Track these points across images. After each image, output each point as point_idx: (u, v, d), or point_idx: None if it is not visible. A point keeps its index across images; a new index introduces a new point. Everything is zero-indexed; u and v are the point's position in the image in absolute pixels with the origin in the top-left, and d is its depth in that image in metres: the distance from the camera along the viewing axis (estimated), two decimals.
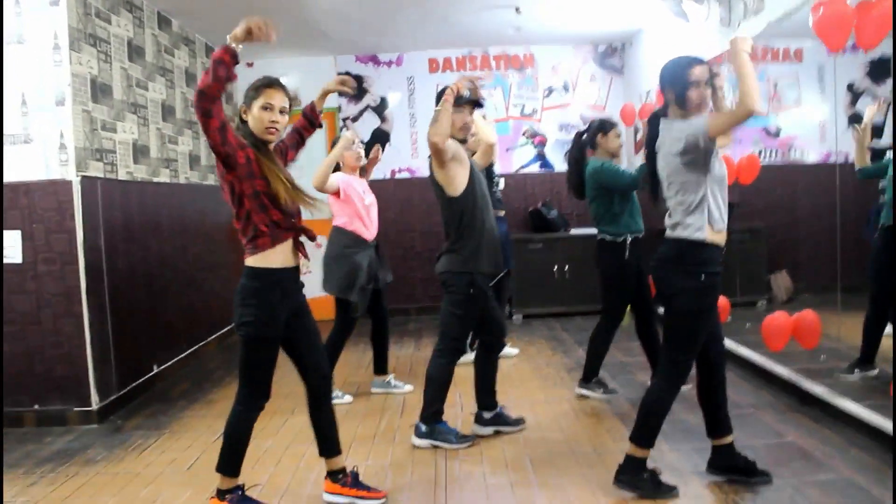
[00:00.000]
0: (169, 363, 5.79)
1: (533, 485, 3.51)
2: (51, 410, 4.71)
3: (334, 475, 3.41)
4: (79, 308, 4.66)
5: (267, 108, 3.08)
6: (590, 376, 4.86)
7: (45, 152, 4.60)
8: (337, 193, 4.78)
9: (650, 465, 3.37)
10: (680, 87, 3.12)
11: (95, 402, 4.72)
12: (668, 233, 3.22)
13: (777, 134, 7.13)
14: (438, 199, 4.04)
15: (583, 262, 7.37)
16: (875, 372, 4.53)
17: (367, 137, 7.97)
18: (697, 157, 3.06)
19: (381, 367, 5.25)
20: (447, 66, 7.98)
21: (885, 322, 4.55)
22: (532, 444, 4.05)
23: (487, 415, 4.27)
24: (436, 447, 4.08)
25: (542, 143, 8.04)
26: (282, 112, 3.11)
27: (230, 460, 3.20)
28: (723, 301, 5.79)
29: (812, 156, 6.61)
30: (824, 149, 6.45)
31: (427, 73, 7.99)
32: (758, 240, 7.13)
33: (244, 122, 3.12)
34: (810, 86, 6.51)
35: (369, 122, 8.02)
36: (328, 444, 3.40)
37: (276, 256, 3.08)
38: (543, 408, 4.68)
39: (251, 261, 3.07)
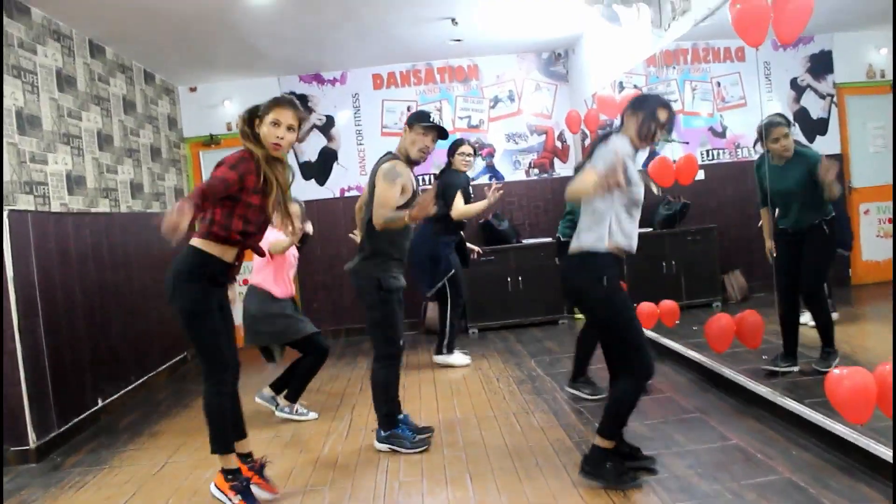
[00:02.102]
0: (115, 396, 5.68)
1: (471, 502, 3.46)
2: None
3: (243, 458, 3.62)
4: (11, 345, 4.53)
5: (275, 123, 3.29)
6: (577, 376, 4.96)
7: None
8: (279, 256, 4.92)
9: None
10: (645, 117, 3.40)
11: (32, 440, 4.60)
12: (573, 243, 3.50)
13: (723, 133, 7.17)
14: (367, 205, 4.17)
15: (536, 273, 7.37)
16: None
17: (314, 157, 7.93)
18: None
19: (297, 395, 5.14)
20: (391, 81, 7.95)
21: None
22: (475, 459, 4.00)
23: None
24: (394, 451, 4.17)
25: (491, 155, 8.03)
26: (290, 129, 3.32)
27: (217, 439, 3.40)
28: (671, 305, 5.82)
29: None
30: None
31: (371, 90, 7.95)
32: (710, 239, 7.16)
33: (251, 128, 3.35)
34: (753, 84, 6.53)
35: (316, 142, 7.97)
36: (238, 428, 3.61)
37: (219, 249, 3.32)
38: (490, 423, 4.63)
39: (197, 242, 3.32)
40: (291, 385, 5.08)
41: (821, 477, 3.32)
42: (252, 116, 3.37)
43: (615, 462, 3.40)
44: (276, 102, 3.34)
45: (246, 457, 3.64)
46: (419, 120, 4.18)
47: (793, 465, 3.50)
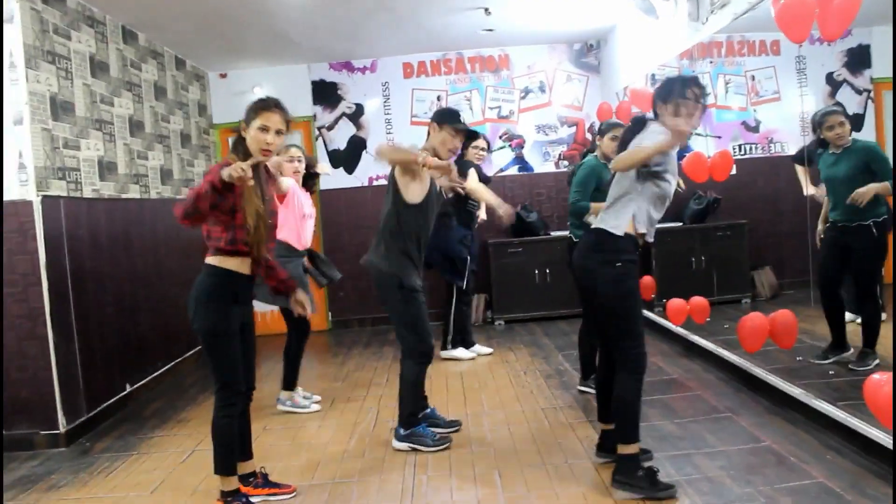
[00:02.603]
0: (143, 381, 5.71)
1: (500, 499, 3.43)
2: (17, 435, 4.61)
3: (245, 479, 3.54)
4: (43, 330, 4.57)
5: (263, 129, 3.18)
6: (587, 374, 4.94)
7: (4, 173, 4.51)
8: (282, 197, 4.70)
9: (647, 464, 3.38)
10: (677, 102, 3.27)
11: (63, 424, 4.64)
12: (595, 222, 3.44)
13: (756, 128, 7.06)
14: (385, 203, 4.12)
15: (564, 265, 7.28)
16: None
17: (343, 145, 7.91)
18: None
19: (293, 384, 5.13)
20: (422, 70, 7.91)
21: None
22: (503, 455, 3.97)
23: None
24: (415, 450, 4.10)
25: (521, 146, 7.97)
26: (278, 133, 3.21)
27: (222, 460, 3.32)
28: (701, 301, 5.75)
29: (793, 148, 6.51)
30: (804, 141, 6.37)
31: (402, 78, 7.91)
32: (740, 235, 7.06)
33: (242, 140, 3.24)
34: (788, 78, 6.43)
35: (345, 130, 7.95)
36: (244, 449, 3.58)
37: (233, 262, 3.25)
38: (518, 417, 4.60)
39: (212, 260, 3.24)
40: (285, 375, 5.05)
41: (857, 483, 3.25)
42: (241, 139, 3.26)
43: (647, 471, 3.32)
44: (264, 106, 3.21)
45: (248, 477, 3.58)
46: (451, 120, 4.09)
47: (827, 469, 3.43)
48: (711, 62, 6.36)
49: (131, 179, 5.80)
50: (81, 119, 5.13)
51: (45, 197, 4.61)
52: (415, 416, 4.20)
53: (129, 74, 5.94)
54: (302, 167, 5.02)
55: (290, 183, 4.78)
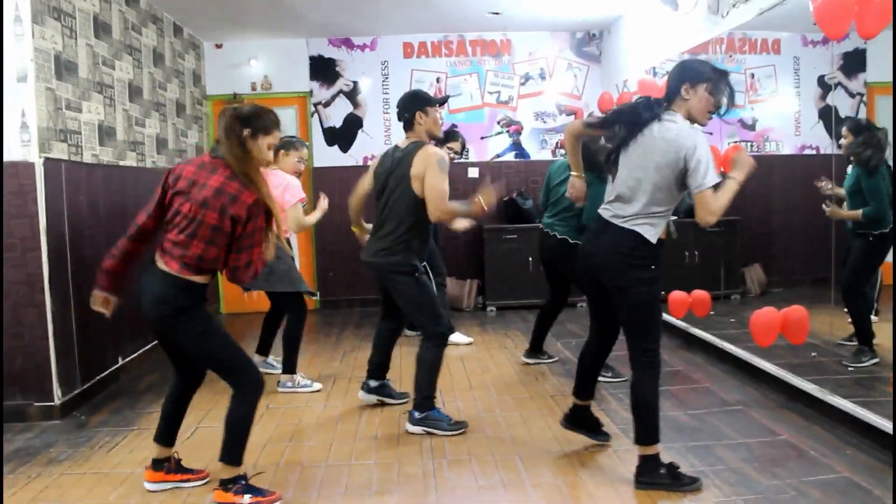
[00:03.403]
0: (134, 355, 5.54)
1: (526, 485, 3.38)
2: (10, 406, 4.42)
3: (159, 463, 3.44)
4: (41, 297, 4.39)
5: (271, 148, 3.14)
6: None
7: (6, 132, 4.31)
8: None
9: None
10: (711, 88, 3.11)
11: (58, 396, 4.47)
12: (620, 223, 3.20)
13: (753, 126, 7.09)
14: (403, 195, 4.02)
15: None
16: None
17: (339, 123, 7.77)
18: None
19: (264, 349, 5.34)
20: (422, 50, 7.80)
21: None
22: (521, 441, 3.92)
23: (374, 383, 4.55)
24: (429, 433, 4.04)
25: (518, 132, 7.90)
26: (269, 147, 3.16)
27: (236, 449, 3.19)
28: (703, 295, 5.77)
29: (787, 148, 6.56)
30: (799, 141, 6.43)
31: (401, 58, 7.79)
32: (733, 232, 7.09)
33: (243, 144, 3.03)
34: (787, 77, 6.47)
35: (342, 108, 7.81)
36: (173, 434, 3.47)
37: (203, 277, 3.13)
38: (527, 404, 4.56)
39: (185, 274, 3.06)
40: (285, 357, 4.99)
41: (882, 478, 3.26)
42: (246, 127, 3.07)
43: (668, 467, 3.28)
44: (276, 125, 3.12)
45: (163, 462, 3.45)
46: (432, 101, 4.15)
47: (850, 464, 3.44)
48: (731, 57, 6.36)
49: (129, 147, 5.61)
50: (84, 80, 4.94)
51: (47, 159, 4.42)
52: (430, 399, 4.12)
53: (130, 38, 5.73)
54: (302, 167, 5.12)
55: (297, 188, 4.86)
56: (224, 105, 7.41)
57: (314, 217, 5.05)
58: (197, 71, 7.46)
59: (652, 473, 3.27)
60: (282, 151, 4.90)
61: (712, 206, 2.99)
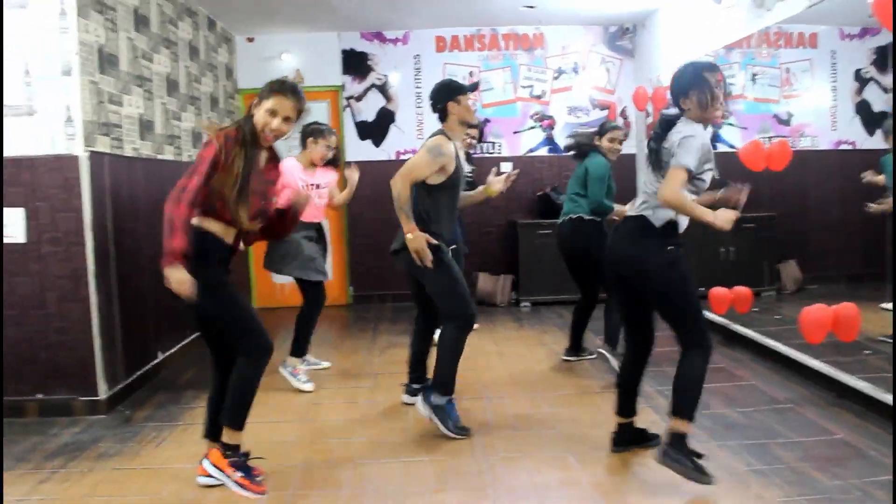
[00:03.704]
0: (173, 349, 5.53)
1: (583, 483, 3.34)
2: (55, 400, 4.43)
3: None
4: (85, 291, 4.38)
5: (272, 112, 3.08)
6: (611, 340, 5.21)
7: (51, 125, 4.30)
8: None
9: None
10: (699, 91, 3.18)
11: (103, 391, 4.45)
12: (631, 212, 3.39)
13: (788, 121, 7.01)
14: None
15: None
16: None
17: (371, 117, 7.73)
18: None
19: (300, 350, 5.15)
20: (455, 44, 7.74)
21: None
22: (572, 438, 3.88)
23: (417, 386, 4.42)
24: (431, 420, 3.99)
25: (551, 127, 7.83)
26: (286, 120, 3.11)
27: (240, 411, 3.22)
28: (744, 291, 5.71)
29: (823, 143, 6.48)
30: (836, 136, 6.35)
31: (434, 52, 7.74)
32: (768, 228, 7.02)
33: (251, 116, 3.13)
34: (823, 72, 6.39)
35: (374, 102, 7.77)
36: (220, 430, 3.36)
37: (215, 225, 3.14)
38: (572, 400, 4.52)
39: (195, 220, 3.10)
40: (294, 340, 5.00)
41: None
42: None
43: (693, 452, 3.23)
44: (279, 89, 3.09)
45: (230, 448, 3.37)
46: (461, 90, 4.10)
47: None
48: (765, 52, 6.29)
49: (167, 140, 5.59)
50: (125, 74, 4.91)
51: (92, 153, 4.40)
52: (448, 385, 4.00)
53: (168, 31, 5.71)
54: (330, 154, 5.06)
55: (289, 170, 4.78)
56: (254, 98, 7.46)
57: (344, 195, 5.14)
58: (229, 65, 7.43)
59: (680, 450, 3.21)
60: (310, 139, 4.91)
61: (674, 189, 3.00)
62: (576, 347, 5.42)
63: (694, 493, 3.19)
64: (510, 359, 5.55)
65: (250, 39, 7.62)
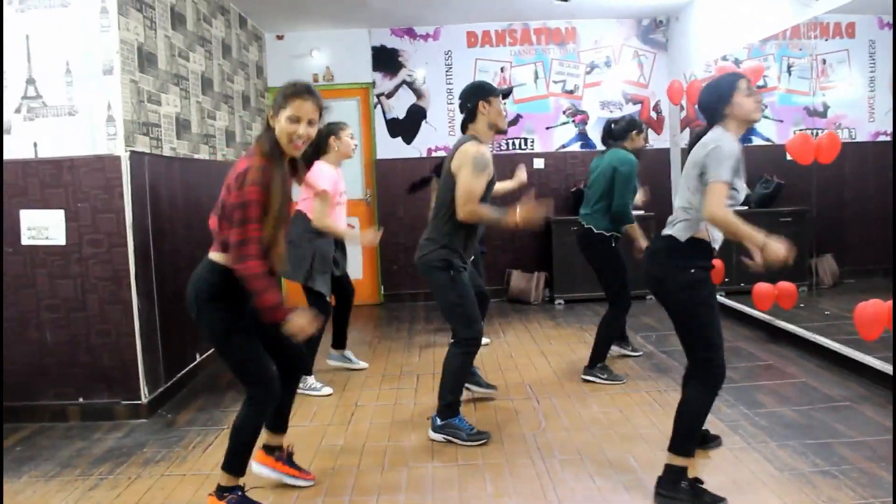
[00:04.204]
0: (210, 351, 5.46)
1: (647, 487, 3.24)
2: (97, 404, 4.38)
3: (271, 450, 3.36)
4: (127, 294, 4.32)
5: (295, 119, 2.84)
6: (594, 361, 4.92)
7: (92, 125, 4.24)
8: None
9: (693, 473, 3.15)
10: (734, 102, 3.04)
11: (145, 394, 4.40)
12: (663, 231, 3.21)
13: (824, 113, 6.88)
14: (445, 190, 3.89)
15: (628, 245, 7.10)
16: None
17: (402, 114, 7.66)
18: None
19: (339, 342, 5.32)
20: (486, 39, 7.65)
21: None
22: (629, 439, 3.79)
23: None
24: (449, 441, 3.86)
25: (584, 122, 7.73)
26: (310, 124, 2.88)
27: (237, 459, 3.05)
28: (789, 287, 5.60)
29: (861, 134, 6.36)
30: (873, 127, 6.23)
31: (465, 48, 7.65)
32: (803, 222, 6.90)
33: (270, 129, 2.89)
34: (861, 62, 6.26)
35: (405, 99, 7.69)
36: (282, 421, 3.34)
37: None
38: (623, 400, 4.42)
39: (216, 257, 2.93)
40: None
41: None
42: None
43: (691, 482, 3.09)
44: (294, 92, 2.84)
45: (274, 449, 3.37)
46: (494, 91, 3.93)
47: None
48: (806, 45, 6.16)
49: (202, 139, 5.52)
50: (163, 73, 4.85)
51: (133, 153, 4.34)
52: (454, 406, 3.92)
53: (202, 29, 5.64)
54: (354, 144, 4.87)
55: (329, 178, 4.62)
56: None
57: (333, 225, 4.64)
58: (259, 63, 7.37)
59: (673, 486, 3.07)
60: (332, 138, 4.69)
61: (718, 205, 2.86)
62: (621, 338, 5.37)
63: (762, 498, 3.10)
64: (552, 358, 5.46)
65: (280, 37, 7.55)
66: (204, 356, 5.34)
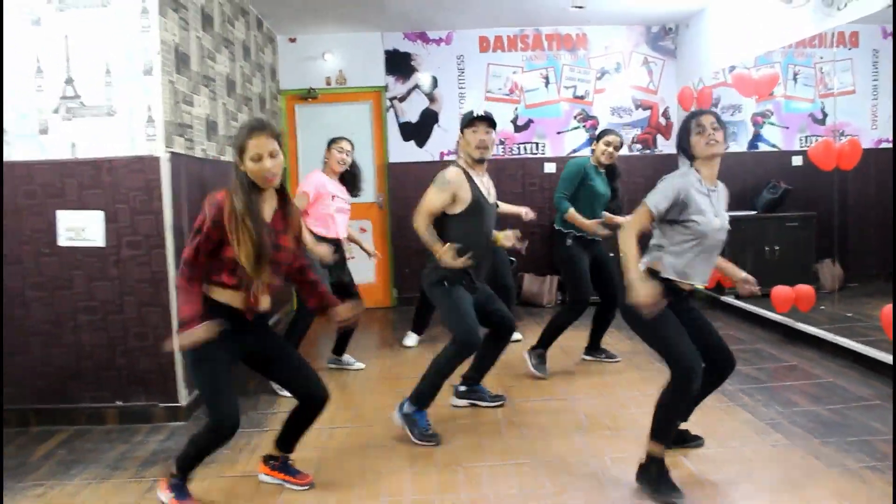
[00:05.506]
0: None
1: (703, 483, 3.30)
2: (135, 407, 4.35)
3: (266, 459, 3.53)
4: (166, 296, 4.30)
5: (257, 158, 2.90)
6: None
7: (131, 126, 4.22)
8: (305, 213, 4.93)
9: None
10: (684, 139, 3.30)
11: (183, 397, 4.37)
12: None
13: (823, 120, 7.02)
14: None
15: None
16: None
17: (415, 118, 7.68)
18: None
19: (340, 350, 5.55)
20: (498, 44, 7.69)
21: None
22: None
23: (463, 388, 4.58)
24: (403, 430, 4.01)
25: (594, 127, 7.79)
26: (272, 155, 2.92)
27: (187, 464, 3.20)
28: (807, 290, 5.71)
29: (864, 142, 6.49)
30: (876, 134, 6.37)
31: (477, 52, 7.69)
32: (808, 227, 7.04)
33: (241, 171, 2.95)
34: (864, 71, 6.40)
35: (417, 103, 7.71)
36: (291, 442, 3.48)
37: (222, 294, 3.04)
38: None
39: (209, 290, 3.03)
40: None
41: None
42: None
43: (660, 469, 3.23)
44: (247, 134, 2.91)
45: (269, 459, 3.53)
46: (463, 124, 4.09)
47: None
48: (813, 52, 6.28)
49: (228, 141, 5.51)
50: (195, 74, 4.84)
51: (172, 154, 4.32)
52: (425, 400, 4.03)
53: (227, 31, 5.63)
54: (349, 160, 5.10)
55: (314, 181, 5.02)
56: (297, 100, 7.39)
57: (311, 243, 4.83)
58: (273, 65, 7.36)
59: (645, 470, 3.28)
60: (326, 150, 5.14)
61: (628, 226, 3.18)
62: (593, 347, 5.57)
63: (818, 493, 3.16)
64: (577, 359, 5.52)
65: (292, 39, 7.54)
66: None
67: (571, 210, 4.98)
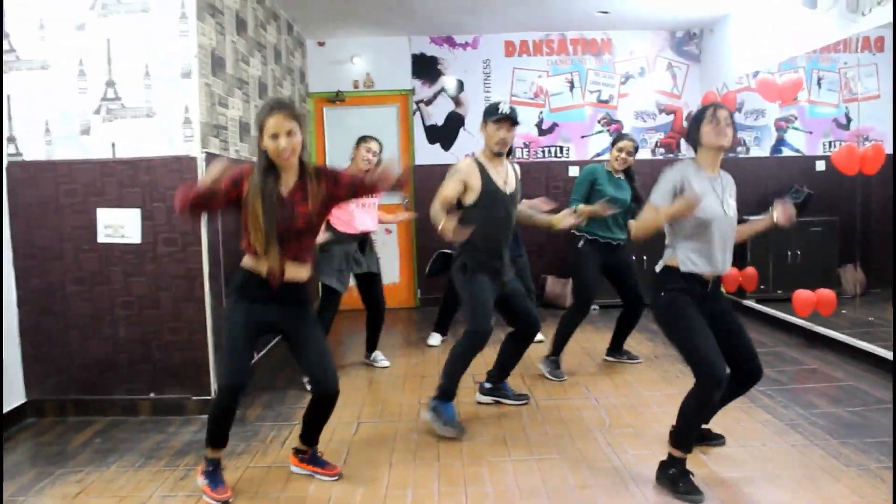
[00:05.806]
0: (265, 350, 5.58)
1: (726, 482, 3.37)
2: (168, 399, 4.49)
3: (296, 452, 3.65)
4: (200, 292, 4.43)
5: (273, 136, 3.05)
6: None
7: (169, 127, 4.36)
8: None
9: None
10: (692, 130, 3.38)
11: (214, 391, 4.50)
12: None
13: (847, 125, 7.04)
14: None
15: (658, 251, 7.23)
16: None
17: (441, 121, 7.79)
18: None
19: (370, 348, 5.71)
20: (524, 49, 7.79)
21: None
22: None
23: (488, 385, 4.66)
24: (429, 424, 4.11)
25: (618, 131, 7.87)
26: (290, 134, 3.05)
27: (211, 436, 3.35)
28: (828, 294, 5.74)
29: (888, 147, 6.49)
30: None
31: (503, 56, 7.79)
32: (831, 232, 7.06)
33: (264, 151, 3.12)
34: (889, 75, 6.40)
35: (443, 106, 7.83)
36: (313, 436, 3.59)
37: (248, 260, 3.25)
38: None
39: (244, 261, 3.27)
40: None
41: None
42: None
43: (681, 471, 3.29)
44: (266, 113, 3.06)
45: (298, 451, 3.64)
46: (488, 115, 4.19)
47: None
48: (842, 57, 6.30)
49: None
50: (230, 77, 4.98)
51: (208, 154, 4.46)
52: (449, 393, 4.15)
53: (260, 35, 5.77)
54: (374, 161, 5.22)
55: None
56: (325, 103, 7.52)
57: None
58: (302, 69, 7.50)
59: (663, 470, 3.35)
60: (354, 148, 5.33)
61: (639, 222, 3.35)
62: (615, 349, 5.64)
63: (836, 491, 3.22)
64: (599, 361, 5.59)
65: (321, 43, 7.67)
66: (260, 354, 5.45)
67: (580, 205, 5.06)
